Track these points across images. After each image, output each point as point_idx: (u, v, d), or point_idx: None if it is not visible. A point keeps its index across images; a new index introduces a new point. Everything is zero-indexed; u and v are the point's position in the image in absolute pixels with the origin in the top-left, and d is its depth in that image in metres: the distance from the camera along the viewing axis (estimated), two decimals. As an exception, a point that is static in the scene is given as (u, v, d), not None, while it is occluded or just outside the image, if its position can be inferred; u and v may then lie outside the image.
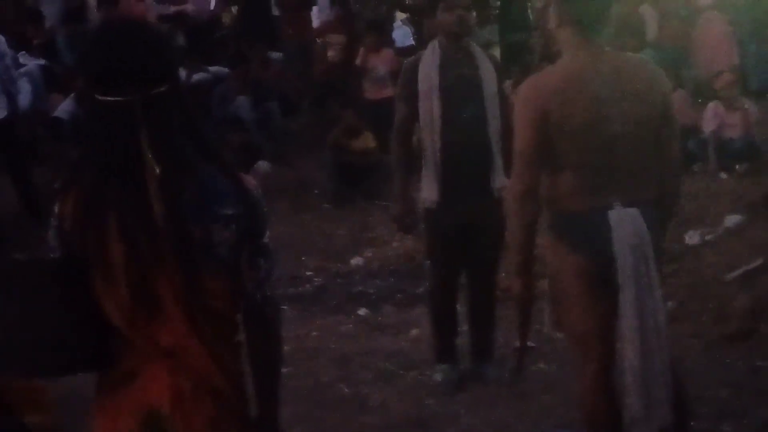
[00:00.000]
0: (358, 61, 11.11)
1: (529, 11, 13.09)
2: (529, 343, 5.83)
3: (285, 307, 6.00)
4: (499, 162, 5.30)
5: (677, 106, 9.42)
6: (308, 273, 8.19)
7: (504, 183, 5.29)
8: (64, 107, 9.89)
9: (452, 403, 5.39)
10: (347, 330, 6.81)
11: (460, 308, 5.73)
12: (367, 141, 9.96)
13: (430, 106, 5.28)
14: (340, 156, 9.95)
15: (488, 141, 5.28)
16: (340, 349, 6.33)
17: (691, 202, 8.00)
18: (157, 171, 2.30)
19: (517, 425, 5.06)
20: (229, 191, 2.38)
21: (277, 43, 12.41)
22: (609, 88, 3.70)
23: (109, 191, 2.32)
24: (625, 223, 3.67)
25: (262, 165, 9.99)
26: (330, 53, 11.63)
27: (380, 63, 10.90)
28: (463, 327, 5.80)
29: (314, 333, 6.71)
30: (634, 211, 3.69)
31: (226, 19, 13.22)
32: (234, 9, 13.23)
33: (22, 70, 9.86)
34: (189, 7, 11.88)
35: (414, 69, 5.39)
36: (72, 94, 9.89)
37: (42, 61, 10.42)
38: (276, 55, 12.09)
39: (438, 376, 5.60)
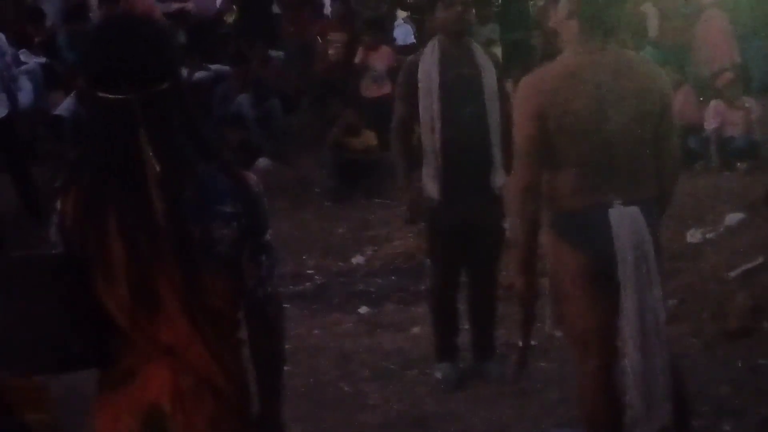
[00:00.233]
0: (357, 60, 11.10)
1: (530, 9, 13.08)
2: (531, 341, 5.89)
3: (286, 305, 5.99)
4: (499, 160, 5.30)
5: (683, 102, 9.53)
6: (309, 271, 8.19)
7: (504, 181, 5.29)
8: (64, 105, 9.89)
9: (452, 401, 5.39)
10: (348, 328, 6.81)
11: (461, 306, 5.73)
12: (368, 139, 9.97)
13: (430, 105, 5.28)
14: (340, 154, 9.95)
15: (488, 139, 5.27)
16: (340, 348, 6.33)
17: (693, 200, 8.00)
18: (158, 169, 2.30)
19: (517, 424, 5.06)
20: (230, 189, 2.38)
21: (278, 41, 12.40)
22: (608, 85, 3.69)
23: (109, 189, 2.32)
24: (625, 221, 3.67)
25: (263, 163, 9.99)
26: (331, 51, 11.62)
27: (378, 61, 10.89)
28: (464, 325, 5.80)
29: (315, 331, 6.72)
30: (634, 209, 3.69)
31: (228, 17, 13.21)
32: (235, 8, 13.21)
33: (23, 68, 9.85)
34: (190, 5, 11.87)
35: (414, 67, 5.38)
36: (73, 92, 9.89)
37: (43, 60, 10.42)
38: (277, 53, 12.09)
39: (438, 375, 5.60)
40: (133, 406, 2.38)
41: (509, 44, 11.93)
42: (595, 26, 3.74)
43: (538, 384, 5.44)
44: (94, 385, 2.47)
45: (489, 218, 5.28)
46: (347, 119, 10.15)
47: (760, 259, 6.57)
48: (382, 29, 11.70)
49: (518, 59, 10.85)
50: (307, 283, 7.91)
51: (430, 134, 5.30)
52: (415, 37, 12.20)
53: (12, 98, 8.55)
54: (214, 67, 11.21)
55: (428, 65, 5.33)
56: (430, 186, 5.34)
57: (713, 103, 9.64)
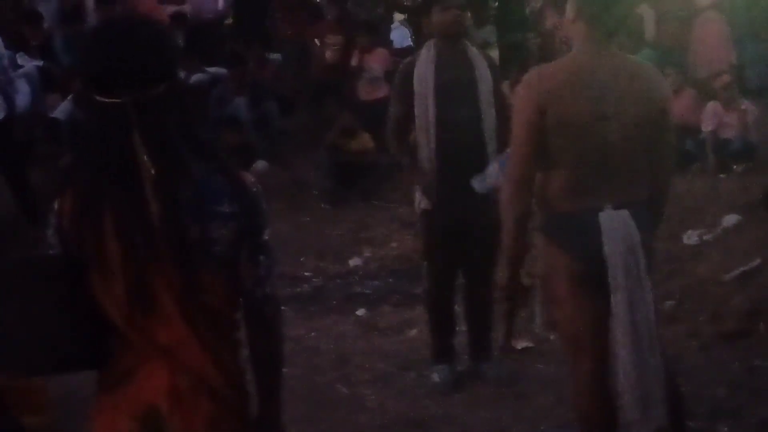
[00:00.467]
0: (353, 62, 11.10)
1: (526, 12, 13.09)
2: (527, 344, 5.90)
3: (283, 307, 5.99)
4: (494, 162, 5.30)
5: (684, 105, 9.55)
6: (306, 273, 8.19)
7: (500, 183, 5.29)
8: (62, 108, 9.89)
9: (450, 403, 5.40)
10: (345, 330, 6.81)
11: (458, 308, 5.73)
12: (364, 141, 9.97)
13: (425, 108, 5.28)
14: (337, 156, 9.96)
15: (483, 142, 5.28)
16: (338, 350, 6.34)
17: (690, 202, 8.01)
18: (152, 171, 2.30)
19: (515, 426, 5.07)
20: (227, 189, 2.38)
21: (275, 43, 12.40)
22: (608, 89, 3.69)
23: (106, 191, 2.33)
24: (616, 224, 3.67)
25: (260, 165, 9.99)
26: (327, 54, 11.63)
27: (375, 63, 10.90)
28: (461, 327, 5.81)
29: (312, 333, 6.72)
30: (625, 213, 3.69)
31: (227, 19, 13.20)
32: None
33: (20, 71, 9.83)
34: (187, 8, 11.86)
35: (409, 70, 5.39)
36: (70, 95, 9.88)
37: (40, 62, 10.41)
38: (273, 55, 12.09)
39: (435, 377, 5.60)
40: (130, 407, 2.38)
41: (506, 47, 11.93)
42: (600, 28, 3.75)
43: (535, 386, 5.45)
44: (92, 387, 2.47)
45: (484, 220, 5.27)
46: (344, 121, 10.16)
47: (757, 261, 6.58)
48: (378, 32, 11.71)
49: (515, 62, 10.86)
50: (305, 285, 7.90)
51: (425, 136, 5.31)
52: (411, 40, 12.20)
53: (9, 101, 8.54)
54: (211, 69, 11.21)
55: (424, 68, 5.33)
56: (426, 188, 5.35)
57: (710, 105, 9.65)
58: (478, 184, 5.22)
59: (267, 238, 2.45)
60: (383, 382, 5.77)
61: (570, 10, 3.82)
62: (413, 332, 6.55)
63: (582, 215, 3.71)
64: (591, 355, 3.77)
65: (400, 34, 12.45)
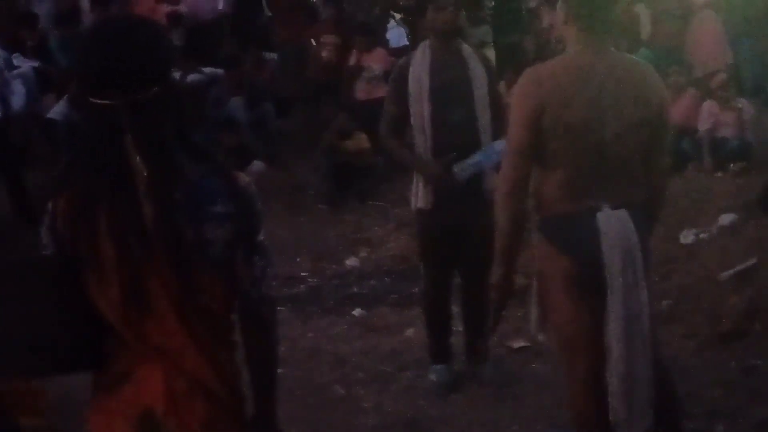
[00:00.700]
0: (351, 62, 11.10)
1: (523, 12, 13.09)
2: (524, 344, 5.90)
3: (280, 308, 5.99)
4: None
5: (687, 105, 9.55)
6: (303, 274, 8.18)
7: (494, 184, 5.28)
8: (57, 109, 9.88)
9: (447, 403, 5.40)
10: (342, 331, 6.81)
11: (455, 309, 5.74)
12: (361, 142, 9.97)
13: (420, 108, 5.28)
14: (334, 157, 9.96)
15: (479, 142, 5.28)
16: (334, 350, 6.34)
17: (686, 201, 8.01)
18: (145, 173, 2.30)
19: (511, 426, 5.07)
20: (222, 190, 2.38)
21: (271, 44, 12.39)
22: (605, 88, 3.69)
23: (100, 193, 2.33)
24: (613, 225, 3.67)
25: (257, 166, 9.99)
26: (324, 54, 11.63)
27: (373, 63, 10.89)
28: (458, 328, 5.81)
29: (309, 334, 6.72)
30: (623, 213, 3.69)
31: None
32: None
33: (16, 72, 9.83)
34: (182, 8, 11.85)
35: (404, 70, 5.39)
36: (65, 96, 9.88)
37: (36, 63, 10.40)
38: (270, 56, 12.08)
39: (433, 377, 5.61)
40: (126, 409, 2.38)
41: (502, 47, 11.94)
42: (592, 28, 3.76)
43: (531, 386, 5.45)
44: (89, 390, 2.47)
45: (480, 221, 5.27)
46: (340, 122, 10.15)
47: (754, 261, 6.58)
48: (375, 32, 11.71)
49: (511, 62, 10.87)
50: (301, 286, 7.90)
51: (421, 137, 5.31)
52: (408, 40, 12.21)
53: (4, 102, 8.54)
54: (207, 70, 11.20)
55: (419, 68, 5.33)
56: (422, 189, 5.35)
57: (706, 104, 9.66)
58: (459, 171, 5.20)
59: (262, 238, 2.45)
60: (380, 382, 5.77)
61: (561, 12, 3.83)
62: (410, 332, 6.55)
63: (579, 215, 3.71)
64: (586, 356, 3.77)
65: (397, 34, 12.44)
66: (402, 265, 8.01)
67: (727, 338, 5.84)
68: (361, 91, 10.83)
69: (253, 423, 2.52)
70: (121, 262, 2.31)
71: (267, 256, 2.46)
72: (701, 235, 7.41)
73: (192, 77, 10.85)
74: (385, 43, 11.83)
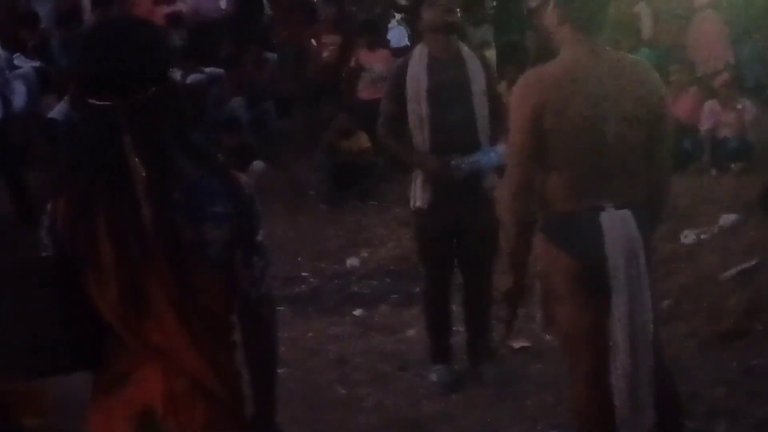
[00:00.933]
0: (355, 61, 11.09)
1: (524, 11, 13.08)
2: (525, 343, 5.90)
3: (281, 307, 6.00)
4: None
5: (690, 104, 9.55)
6: (304, 274, 8.18)
7: (494, 183, 5.29)
8: (58, 109, 9.88)
9: (448, 403, 5.40)
10: (343, 331, 6.81)
11: (455, 308, 5.73)
12: (362, 141, 9.96)
13: (419, 108, 5.28)
14: (334, 157, 9.95)
15: (478, 141, 5.28)
16: (335, 350, 6.34)
17: (687, 201, 8.00)
18: (143, 174, 2.30)
19: (512, 426, 5.07)
20: (221, 190, 2.38)
21: (271, 43, 12.39)
22: (605, 87, 3.70)
23: (99, 193, 2.33)
24: (616, 224, 3.67)
25: (258, 166, 9.99)
26: (325, 54, 11.63)
27: (377, 63, 10.88)
28: (459, 327, 5.81)
29: (310, 334, 6.72)
30: (625, 213, 3.69)
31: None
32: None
33: (17, 72, 9.85)
34: (183, 8, 11.85)
35: (402, 70, 5.38)
36: (67, 96, 9.88)
37: (37, 63, 10.41)
38: (270, 55, 12.08)
39: (433, 377, 5.61)
40: (126, 409, 2.38)
41: (504, 46, 11.92)
42: (587, 29, 3.76)
43: (532, 386, 5.45)
44: (90, 390, 2.47)
45: (480, 220, 5.27)
46: (341, 122, 10.15)
47: (755, 261, 6.58)
48: (379, 31, 11.70)
49: (513, 61, 10.85)
50: (302, 286, 7.90)
51: (420, 136, 5.31)
52: (409, 39, 12.20)
53: (6, 102, 8.54)
54: (208, 70, 11.20)
55: (416, 68, 5.32)
56: (421, 189, 5.34)
57: (709, 103, 9.66)
58: (458, 166, 5.20)
59: (261, 239, 2.45)
60: (381, 382, 5.77)
61: (553, 14, 3.82)
62: (411, 332, 6.55)
63: (583, 215, 3.71)
64: (589, 355, 3.77)
65: (398, 34, 12.44)
66: (402, 265, 8.00)
67: (728, 338, 5.84)
68: (364, 91, 10.81)
69: (253, 423, 2.52)
70: (120, 262, 2.31)
71: (266, 257, 2.46)
72: (702, 235, 7.40)
73: (193, 77, 10.85)
74: (386, 42, 11.82)
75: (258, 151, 10.30)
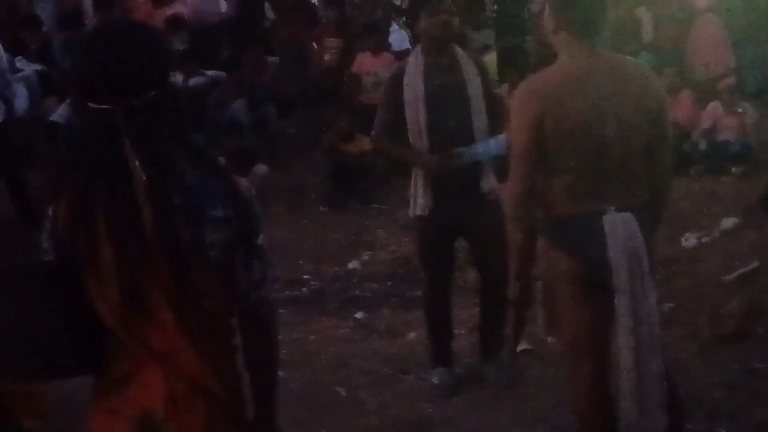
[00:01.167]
0: (358, 65, 11.08)
1: (525, 15, 13.09)
2: (526, 346, 5.90)
3: (282, 310, 6.00)
4: (488, 165, 5.29)
5: (683, 107, 9.56)
6: (305, 276, 8.19)
7: (493, 185, 5.28)
8: (59, 112, 9.88)
9: (449, 406, 5.40)
10: (344, 333, 6.81)
11: (456, 311, 5.74)
12: (363, 144, 9.96)
13: (416, 114, 5.28)
14: (335, 159, 9.96)
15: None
16: (336, 353, 6.34)
17: (688, 204, 8.01)
18: (144, 177, 2.30)
19: (513, 428, 5.07)
20: (221, 193, 2.38)
21: (273, 46, 12.40)
22: (605, 91, 3.70)
23: (99, 196, 2.33)
24: (619, 227, 3.68)
25: (260, 169, 9.99)
26: (326, 57, 11.63)
27: (381, 67, 10.88)
28: (460, 330, 5.81)
29: (311, 336, 6.72)
30: (627, 216, 3.69)
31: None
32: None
33: (19, 74, 9.86)
34: (185, 11, 11.85)
35: (399, 77, 5.38)
36: (68, 99, 9.88)
37: (39, 66, 10.42)
38: (272, 59, 12.09)
39: (434, 380, 5.61)
40: (127, 412, 2.38)
41: (505, 50, 11.93)
42: (583, 36, 3.76)
43: (533, 388, 5.45)
44: (90, 392, 2.47)
45: (482, 222, 5.27)
46: (342, 124, 10.16)
47: (755, 264, 6.59)
48: (382, 35, 11.70)
49: (514, 64, 10.86)
50: (303, 289, 7.91)
51: (418, 143, 5.31)
52: (410, 43, 12.21)
53: (7, 104, 8.56)
54: (209, 72, 11.21)
55: (413, 75, 5.32)
56: (420, 194, 5.34)
57: (712, 104, 9.67)
58: (457, 155, 5.20)
59: (261, 242, 2.45)
60: (382, 384, 5.78)
61: (549, 20, 3.82)
62: (412, 335, 6.56)
63: (585, 218, 3.71)
64: (592, 358, 3.78)
65: (399, 38, 12.45)
66: (403, 268, 8.01)
67: (729, 340, 5.84)
68: (367, 95, 10.81)
69: (253, 425, 2.51)
70: (120, 265, 2.31)
71: (266, 260, 2.46)
72: (703, 239, 7.41)
73: (194, 80, 10.86)
74: (387, 46, 11.83)
75: (259, 154, 10.31)
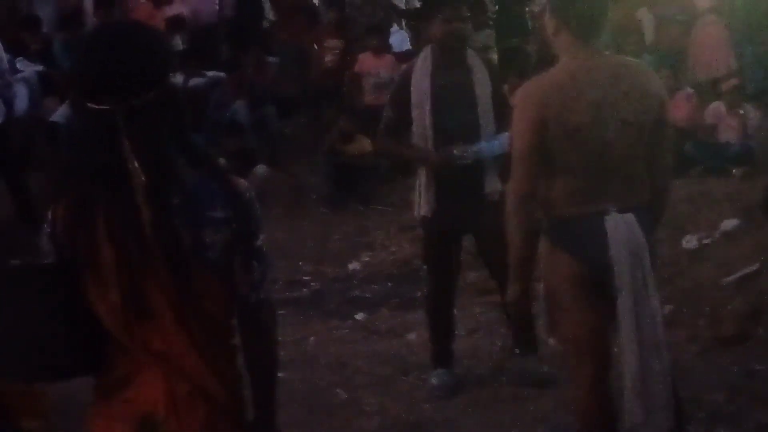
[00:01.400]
0: (360, 66, 11.08)
1: (526, 15, 13.10)
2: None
3: (282, 311, 5.99)
4: (492, 166, 5.29)
5: (682, 105, 9.55)
6: (305, 277, 8.19)
7: (497, 187, 5.27)
8: (60, 112, 9.89)
9: (449, 407, 5.40)
10: (344, 334, 6.81)
11: (458, 312, 5.73)
12: (363, 145, 9.97)
13: (422, 114, 5.28)
14: (336, 160, 9.96)
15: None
16: (337, 354, 6.34)
17: (689, 206, 8.00)
18: (143, 178, 2.30)
19: (513, 430, 5.07)
20: (220, 195, 2.38)
21: (273, 47, 12.41)
22: (607, 92, 3.70)
23: (98, 197, 2.33)
24: (621, 228, 3.68)
25: (260, 170, 10.00)
26: (327, 58, 11.63)
27: (383, 69, 10.89)
28: (460, 332, 5.80)
29: (311, 337, 6.72)
30: (629, 217, 3.69)
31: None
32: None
33: (19, 75, 9.86)
34: (185, 12, 11.86)
35: (407, 78, 5.38)
36: (68, 100, 9.88)
37: (39, 67, 10.42)
38: (272, 59, 12.09)
39: (435, 381, 5.60)
40: (127, 414, 2.38)
41: (505, 51, 11.93)
42: (584, 37, 3.76)
43: (533, 389, 5.44)
44: (90, 392, 2.47)
45: (487, 223, 5.25)
46: (342, 125, 10.16)
47: (756, 265, 6.58)
48: (384, 36, 11.71)
49: (514, 65, 10.85)
50: (303, 290, 7.91)
51: (423, 143, 5.31)
52: (411, 44, 12.21)
53: (8, 105, 8.56)
54: (210, 73, 11.21)
55: (421, 75, 5.32)
56: (425, 194, 5.34)
57: (714, 104, 9.68)
58: (460, 154, 5.19)
59: (261, 243, 2.44)
60: (382, 386, 5.77)
61: (550, 24, 3.83)
62: (412, 336, 6.55)
63: (587, 219, 3.72)
64: (593, 359, 3.78)
65: (400, 39, 12.46)
66: (404, 269, 8.01)
67: (730, 342, 5.84)
68: (369, 96, 10.82)
69: (253, 427, 2.51)
70: (119, 267, 2.31)
71: (266, 261, 2.45)
72: (704, 240, 7.40)
73: (194, 81, 10.86)
74: (388, 47, 11.83)
75: (259, 155, 10.31)
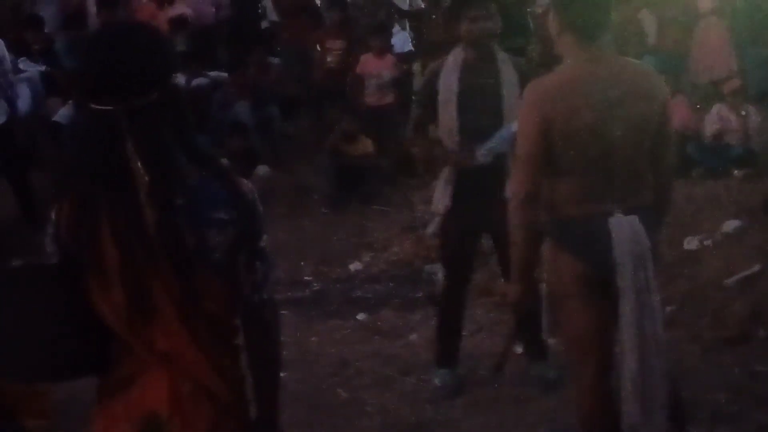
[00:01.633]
0: (362, 67, 11.08)
1: (528, 18, 13.09)
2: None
3: (284, 312, 6.00)
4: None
5: (677, 111, 9.54)
6: (307, 278, 8.18)
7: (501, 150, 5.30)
8: (63, 112, 9.90)
9: (451, 407, 5.40)
10: (346, 335, 6.81)
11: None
12: (366, 145, 9.97)
13: (448, 112, 5.29)
14: (338, 161, 9.96)
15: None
16: (338, 354, 6.34)
17: (690, 207, 8.00)
18: (146, 179, 2.31)
19: (515, 430, 5.07)
20: (223, 195, 2.39)
21: (275, 47, 12.41)
22: (611, 93, 3.71)
23: (102, 198, 2.34)
24: (624, 229, 3.68)
25: (262, 170, 10.00)
26: (329, 59, 11.63)
27: (384, 69, 10.88)
28: (466, 332, 5.80)
29: (313, 338, 6.72)
30: (633, 218, 3.70)
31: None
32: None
33: (22, 75, 9.87)
34: (188, 12, 11.87)
35: (435, 75, 5.40)
36: (71, 100, 9.90)
37: (42, 67, 10.43)
38: (275, 59, 12.10)
39: (437, 381, 5.60)
40: (131, 413, 2.39)
41: (507, 52, 11.93)
42: (588, 38, 3.77)
43: (535, 390, 5.45)
44: (94, 392, 2.48)
45: (506, 225, 5.25)
46: (345, 126, 10.16)
47: (758, 266, 6.58)
48: (386, 36, 11.70)
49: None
50: (305, 290, 7.90)
51: (448, 141, 5.33)
52: (413, 45, 12.21)
53: (11, 105, 8.57)
54: (212, 74, 11.22)
55: (449, 73, 5.32)
56: (445, 193, 5.35)
57: (716, 107, 9.67)
58: (484, 154, 5.21)
59: (264, 243, 2.45)
60: (384, 386, 5.77)
61: (554, 25, 3.84)
62: (414, 336, 6.55)
63: (591, 220, 3.72)
64: (596, 360, 3.78)
65: (401, 39, 12.45)
66: (405, 269, 8.00)
67: (732, 343, 5.84)
68: (371, 96, 10.81)
69: (256, 426, 2.52)
70: (123, 267, 2.32)
71: (268, 261, 2.47)
72: (705, 241, 7.40)
73: (197, 81, 10.87)
74: (389, 47, 11.83)
75: (262, 155, 10.31)
